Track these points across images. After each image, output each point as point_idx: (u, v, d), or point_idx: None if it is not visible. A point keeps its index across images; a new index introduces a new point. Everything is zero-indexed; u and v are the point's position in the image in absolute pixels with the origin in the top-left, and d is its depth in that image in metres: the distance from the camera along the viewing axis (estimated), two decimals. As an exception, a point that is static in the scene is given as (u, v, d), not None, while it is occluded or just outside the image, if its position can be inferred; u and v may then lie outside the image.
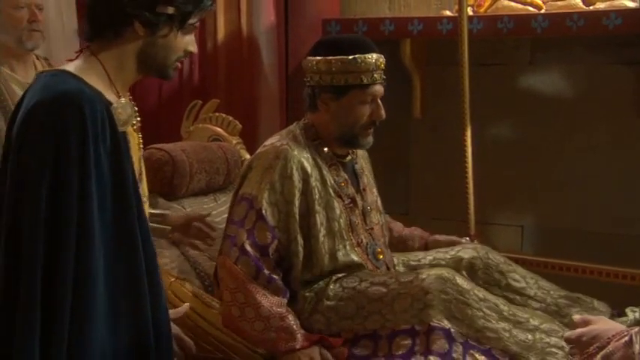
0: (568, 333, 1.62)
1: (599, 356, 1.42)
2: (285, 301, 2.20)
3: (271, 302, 2.16)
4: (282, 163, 2.22)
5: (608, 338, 1.44)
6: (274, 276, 2.19)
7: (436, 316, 2.09)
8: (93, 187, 1.54)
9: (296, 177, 2.23)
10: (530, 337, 2.10)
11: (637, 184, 3.29)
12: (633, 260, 3.07)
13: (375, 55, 2.28)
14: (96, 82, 1.63)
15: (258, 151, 2.34)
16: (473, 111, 3.01)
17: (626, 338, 1.39)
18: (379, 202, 2.51)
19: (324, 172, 2.31)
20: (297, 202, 2.22)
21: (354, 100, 2.29)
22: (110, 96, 1.64)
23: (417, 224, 2.81)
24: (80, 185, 1.53)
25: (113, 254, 1.58)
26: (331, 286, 2.25)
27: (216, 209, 2.70)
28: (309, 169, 2.26)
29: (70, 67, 1.66)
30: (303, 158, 2.27)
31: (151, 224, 1.76)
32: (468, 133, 3.00)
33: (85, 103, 1.55)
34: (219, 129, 3.03)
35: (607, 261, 3.08)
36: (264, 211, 2.19)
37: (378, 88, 2.30)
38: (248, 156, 2.92)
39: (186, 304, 2.07)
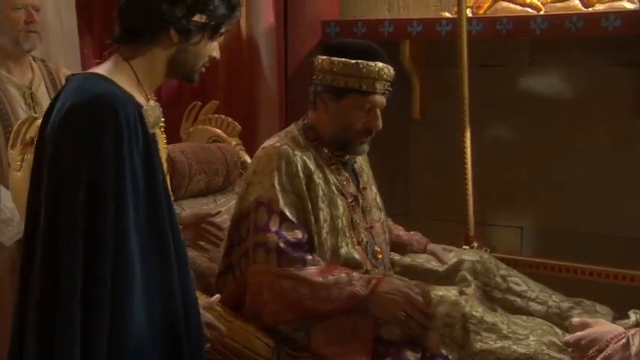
0: (567, 337, 1.63)
1: (598, 359, 1.42)
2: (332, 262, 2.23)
3: (327, 268, 2.18)
4: (285, 163, 2.23)
5: (607, 341, 1.45)
6: (317, 257, 2.21)
7: (435, 340, 2.12)
8: (128, 188, 1.58)
9: (301, 174, 2.24)
10: (531, 349, 2.11)
11: (637, 185, 3.29)
12: (633, 261, 3.07)
13: (380, 64, 2.25)
14: (125, 84, 1.66)
15: (258, 154, 2.33)
16: (472, 112, 3.01)
17: (624, 340, 1.40)
18: (379, 199, 2.51)
19: (327, 171, 2.31)
20: (307, 196, 2.23)
21: (352, 104, 2.27)
22: (139, 98, 1.68)
23: (417, 225, 2.81)
24: (115, 185, 1.57)
25: (147, 251, 1.63)
26: None
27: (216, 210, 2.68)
28: (312, 167, 2.27)
29: (101, 69, 1.70)
30: (305, 157, 2.27)
31: None
32: (468, 134, 3.00)
33: (119, 106, 1.59)
34: (218, 130, 3.02)
35: (606, 262, 3.09)
36: (286, 212, 2.20)
37: (379, 98, 2.27)
38: (247, 157, 2.92)
39: (217, 295, 2.08)
